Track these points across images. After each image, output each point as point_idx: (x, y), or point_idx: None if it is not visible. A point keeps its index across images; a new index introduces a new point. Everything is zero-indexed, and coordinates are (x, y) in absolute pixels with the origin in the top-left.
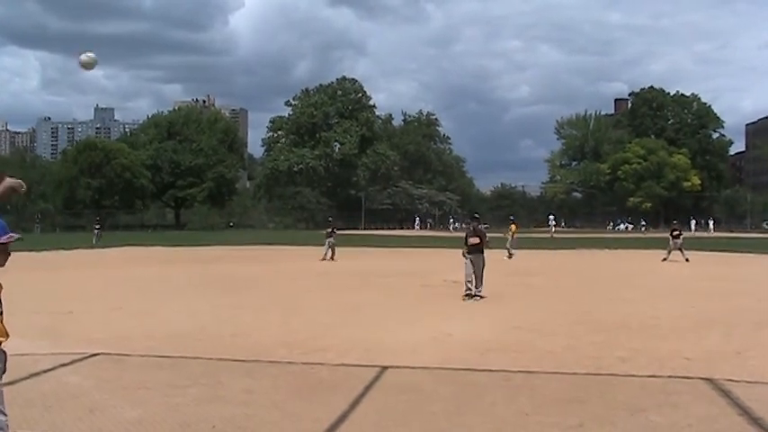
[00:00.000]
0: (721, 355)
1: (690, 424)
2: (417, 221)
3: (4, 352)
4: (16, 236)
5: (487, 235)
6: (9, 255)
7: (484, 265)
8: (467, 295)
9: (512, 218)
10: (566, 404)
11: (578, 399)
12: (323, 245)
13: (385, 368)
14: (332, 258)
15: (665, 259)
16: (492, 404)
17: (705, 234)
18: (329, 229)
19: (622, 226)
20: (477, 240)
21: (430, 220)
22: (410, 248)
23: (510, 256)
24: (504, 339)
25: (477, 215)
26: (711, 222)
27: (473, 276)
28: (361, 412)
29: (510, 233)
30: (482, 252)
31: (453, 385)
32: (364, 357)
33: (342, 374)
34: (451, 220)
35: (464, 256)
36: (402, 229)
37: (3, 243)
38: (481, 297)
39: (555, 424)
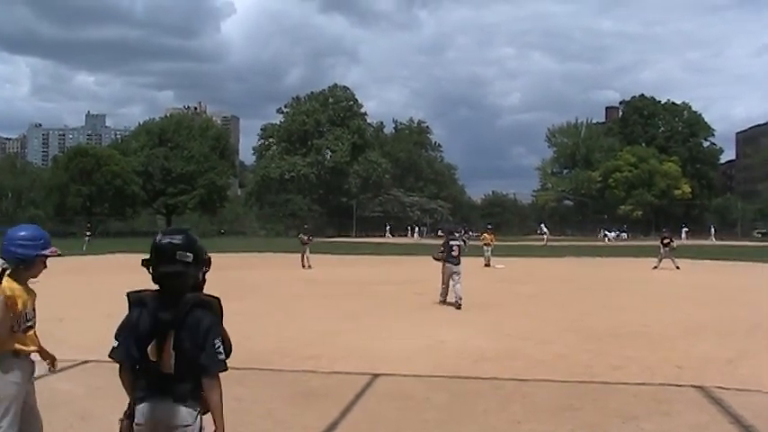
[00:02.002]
0: (712, 363)
1: None
2: (389, 229)
3: (33, 362)
4: (58, 251)
5: (455, 243)
6: (45, 266)
7: (447, 276)
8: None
9: (489, 227)
10: (558, 412)
11: (570, 406)
12: (301, 252)
13: (377, 375)
14: (307, 265)
15: (655, 267)
16: (484, 412)
17: (707, 242)
18: (305, 237)
19: (611, 234)
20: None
21: (423, 227)
22: (402, 256)
23: (487, 264)
24: (497, 347)
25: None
26: (713, 230)
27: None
28: (352, 420)
29: (486, 242)
30: (445, 262)
31: (446, 393)
32: (357, 365)
33: (334, 382)
34: (416, 228)
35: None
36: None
37: (47, 256)
38: (457, 305)
39: None
